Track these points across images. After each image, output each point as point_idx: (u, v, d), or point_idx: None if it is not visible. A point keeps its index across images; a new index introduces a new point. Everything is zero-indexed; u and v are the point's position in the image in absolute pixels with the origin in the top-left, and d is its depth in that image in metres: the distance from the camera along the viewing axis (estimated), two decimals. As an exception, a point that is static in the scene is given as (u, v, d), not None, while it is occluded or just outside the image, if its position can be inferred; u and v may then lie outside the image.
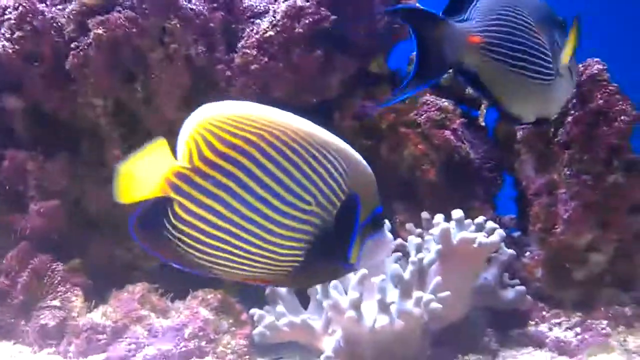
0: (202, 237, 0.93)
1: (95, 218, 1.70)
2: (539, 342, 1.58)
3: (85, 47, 1.50)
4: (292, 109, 1.63)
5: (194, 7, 1.54)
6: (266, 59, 1.57)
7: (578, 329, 1.54)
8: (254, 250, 0.92)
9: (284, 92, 1.62)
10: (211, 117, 0.90)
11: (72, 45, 1.50)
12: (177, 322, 1.53)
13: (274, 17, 1.57)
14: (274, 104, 1.65)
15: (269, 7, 1.61)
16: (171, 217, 0.92)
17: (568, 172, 1.52)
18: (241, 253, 0.92)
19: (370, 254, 0.95)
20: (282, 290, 1.49)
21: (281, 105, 1.62)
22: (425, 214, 1.57)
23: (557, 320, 1.60)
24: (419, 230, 1.57)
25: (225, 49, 1.61)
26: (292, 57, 1.58)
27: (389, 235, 1.06)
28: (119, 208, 1.62)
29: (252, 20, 1.60)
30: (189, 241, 0.93)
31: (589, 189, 1.49)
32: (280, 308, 1.46)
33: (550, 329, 1.59)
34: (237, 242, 0.92)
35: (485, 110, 1.71)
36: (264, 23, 1.57)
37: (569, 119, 1.52)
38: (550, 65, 1.25)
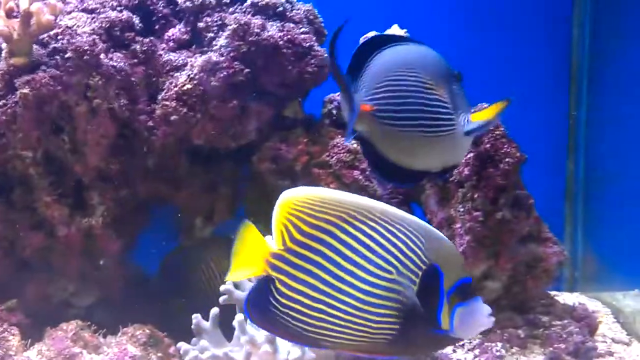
0: (304, 310, 1.08)
1: (29, 260, 1.78)
2: None
3: (13, 104, 1.59)
4: (213, 152, 1.77)
5: (115, 64, 1.64)
6: (185, 110, 1.68)
7: (477, 351, 1.68)
8: (350, 319, 1.05)
9: (203, 139, 1.74)
10: (294, 203, 1.07)
11: (0, 104, 1.59)
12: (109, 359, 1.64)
13: (192, 71, 1.69)
14: (195, 150, 1.79)
15: (187, 60, 1.73)
16: (275, 294, 1.07)
17: (462, 209, 1.66)
18: (340, 322, 1.06)
19: (466, 322, 1.06)
20: (206, 324, 1.60)
21: (202, 150, 1.75)
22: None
23: (460, 343, 1.73)
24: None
25: (147, 101, 1.72)
26: (209, 108, 1.70)
27: (485, 306, 1.11)
28: (51, 250, 1.74)
29: (171, 73, 1.72)
30: (293, 314, 1.08)
31: (480, 225, 1.63)
32: (204, 342, 1.58)
33: (454, 351, 1.71)
34: (334, 312, 1.06)
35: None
36: (182, 76, 1.69)
37: (463, 160, 1.66)
38: (450, 117, 1.27)
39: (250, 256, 1.10)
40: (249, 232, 1.11)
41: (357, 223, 1.06)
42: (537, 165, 2.43)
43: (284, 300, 1.09)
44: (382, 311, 1.05)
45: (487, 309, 1.11)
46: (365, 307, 1.05)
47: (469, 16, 2.46)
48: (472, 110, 1.30)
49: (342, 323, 1.06)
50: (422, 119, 1.26)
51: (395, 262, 1.05)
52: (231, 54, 1.69)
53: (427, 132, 1.27)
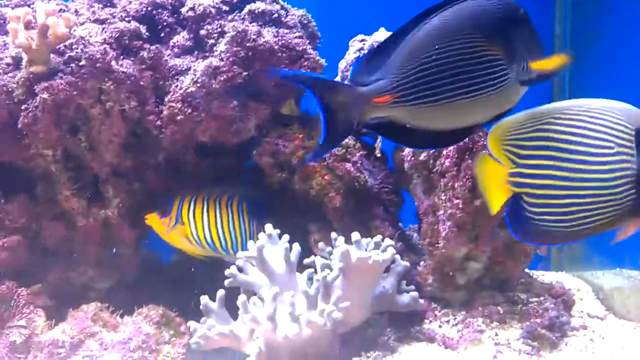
0: (557, 210, 1.23)
1: (52, 248, 1.95)
2: (430, 338, 1.85)
3: (34, 108, 1.75)
4: (217, 148, 1.93)
5: (125, 70, 1.80)
6: (189, 111, 1.84)
7: (460, 326, 1.83)
8: (598, 200, 1.20)
9: (208, 136, 1.90)
10: (504, 132, 1.26)
11: (22, 107, 1.75)
12: (124, 337, 1.81)
13: (195, 75, 1.84)
14: (200, 146, 1.94)
15: (190, 65, 1.88)
16: (527, 207, 1.24)
17: (444, 197, 1.81)
18: (591, 207, 1.21)
19: None
20: (213, 304, 1.75)
21: (207, 145, 1.89)
22: (334, 234, 1.85)
23: (446, 319, 1.88)
24: (329, 249, 1.85)
25: (155, 102, 1.87)
26: (211, 108, 1.85)
27: None
28: (71, 239, 1.90)
29: (176, 77, 1.87)
30: (549, 217, 1.24)
31: (460, 211, 1.78)
32: (211, 321, 1.74)
33: (440, 327, 1.87)
34: (584, 200, 1.21)
35: (380, 142, 1.99)
36: (187, 80, 1.84)
37: (444, 152, 1.81)
38: (503, 73, 1.27)
39: (494, 186, 1.28)
40: (483, 164, 1.31)
41: (564, 122, 1.24)
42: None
43: (536, 209, 1.25)
44: (621, 182, 1.20)
45: None
46: (606, 184, 1.19)
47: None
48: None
49: (593, 207, 1.21)
50: (462, 87, 1.26)
51: (610, 137, 1.20)
52: (230, 59, 1.84)
53: (468, 97, 1.27)
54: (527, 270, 2.33)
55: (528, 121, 1.29)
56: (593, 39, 2.57)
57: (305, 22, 2.04)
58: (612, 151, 1.22)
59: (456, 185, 1.77)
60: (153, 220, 1.97)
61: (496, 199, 1.32)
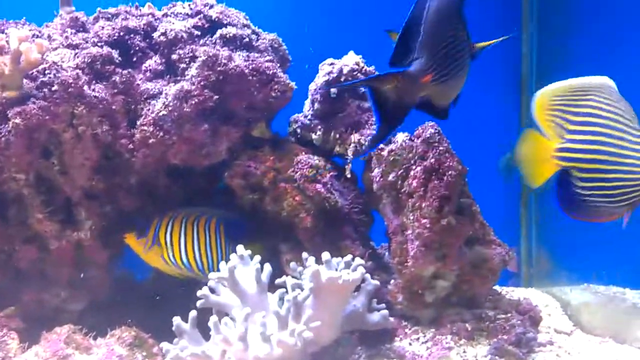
0: (605, 184, 1.23)
1: (25, 270, 1.96)
2: (400, 356, 1.85)
3: (6, 133, 1.77)
4: (189, 170, 1.95)
5: (97, 94, 1.82)
6: (161, 134, 1.87)
7: (429, 344, 1.86)
8: (634, 176, 1.22)
9: (179, 159, 1.93)
10: (550, 100, 1.25)
11: (-5, 132, 1.77)
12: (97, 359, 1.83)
13: (166, 98, 1.87)
14: (172, 168, 1.96)
15: (162, 89, 1.91)
16: (575, 182, 1.24)
17: (411, 217, 1.85)
18: (628, 183, 1.22)
19: None
20: (186, 325, 1.77)
21: (179, 168, 1.92)
22: (305, 254, 1.89)
23: (416, 337, 1.90)
24: (300, 268, 1.88)
25: (127, 126, 1.90)
26: (183, 132, 1.88)
27: None
28: (44, 261, 1.91)
29: (148, 101, 1.90)
30: (597, 192, 1.24)
31: (428, 230, 1.82)
32: (183, 342, 1.76)
33: (410, 344, 1.88)
34: (623, 176, 1.22)
35: (350, 163, 2.03)
36: (158, 104, 1.87)
37: (411, 173, 1.85)
38: (469, 49, 1.42)
39: (539, 160, 1.27)
40: (529, 138, 1.30)
41: (606, 98, 1.26)
42: (495, 174, 2.64)
43: (585, 184, 1.25)
44: None
45: None
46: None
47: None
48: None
49: (632, 183, 1.23)
50: (462, 64, 1.40)
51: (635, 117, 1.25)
52: (201, 83, 1.88)
53: (463, 72, 1.42)
54: (497, 286, 2.37)
55: (574, 92, 1.30)
56: (559, 59, 2.64)
57: (276, 46, 2.08)
58: None
59: (423, 205, 1.82)
60: (131, 240, 1.99)
61: (540, 174, 1.31)
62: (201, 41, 1.99)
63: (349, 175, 2.03)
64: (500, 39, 1.47)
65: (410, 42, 1.35)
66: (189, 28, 1.98)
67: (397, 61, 1.36)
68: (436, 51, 1.36)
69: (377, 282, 1.88)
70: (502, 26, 2.69)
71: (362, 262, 1.84)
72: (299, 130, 2.09)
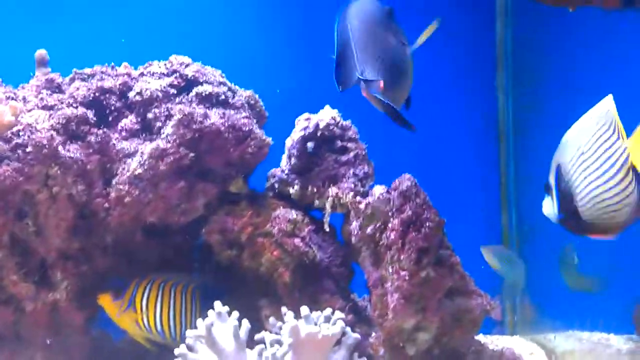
0: None
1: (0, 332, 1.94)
2: None
3: (-21, 196, 1.76)
4: (166, 227, 1.94)
5: (72, 155, 1.82)
6: (137, 192, 1.86)
7: (411, 397, 1.85)
8: None
9: (156, 217, 1.92)
10: None
11: (-33, 196, 1.76)
12: None
13: (142, 157, 1.87)
14: (149, 226, 1.95)
15: (137, 148, 1.91)
16: None
17: (391, 270, 1.84)
18: None
19: None
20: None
21: (156, 225, 1.91)
22: (284, 309, 1.87)
23: (395, 389, 1.90)
24: (279, 324, 1.86)
25: (102, 185, 1.90)
26: (159, 190, 1.88)
27: None
28: (19, 323, 1.88)
29: (124, 160, 1.90)
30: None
31: (407, 283, 1.81)
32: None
33: (388, 395, 1.88)
34: None
35: (328, 217, 2.03)
36: (134, 162, 1.87)
37: (389, 226, 1.85)
38: (405, 52, 1.50)
39: None
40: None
41: None
42: (475, 220, 2.65)
43: None
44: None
45: None
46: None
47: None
48: None
49: None
50: (404, 68, 1.50)
51: None
52: (177, 141, 1.88)
53: (408, 73, 1.51)
54: (481, 335, 2.36)
55: None
56: (534, 83, 2.68)
57: (252, 102, 2.09)
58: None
59: (402, 257, 1.81)
60: (105, 301, 1.96)
61: None
62: (177, 99, 2.00)
63: (327, 229, 2.02)
64: (429, 29, 1.51)
65: (348, 63, 1.44)
66: (164, 87, 1.99)
67: (342, 82, 1.45)
68: (374, 61, 1.44)
69: (357, 336, 1.86)
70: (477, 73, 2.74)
71: (342, 315, 1.82)
72: (276, 185, 2.09)
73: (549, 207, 1.59)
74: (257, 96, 2.12)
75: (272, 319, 1.87)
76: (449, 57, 2.68)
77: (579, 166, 1.51)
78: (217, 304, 1.80)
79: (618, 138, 1.49)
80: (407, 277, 1.80)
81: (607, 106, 1.51)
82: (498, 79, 2.75)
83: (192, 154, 1.90)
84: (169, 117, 1.93)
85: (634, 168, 1.49)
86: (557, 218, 1.55)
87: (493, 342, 2.34)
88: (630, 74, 2.34)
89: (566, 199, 1.53)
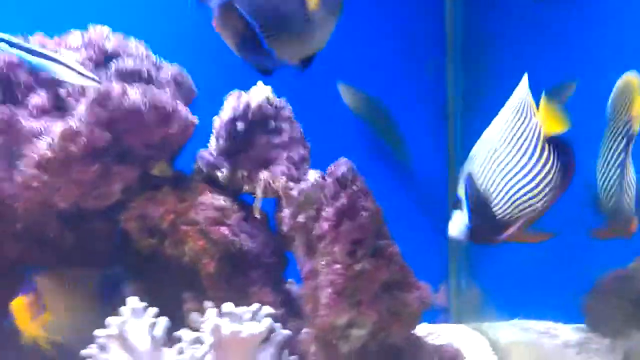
0: None
1: None
2: None
3: None
4: (83, 213, 1.78)
5: (-29, 134, 1.66)
6: (46, 177, 1.70)
7: (346, 397, 1.74)
8: None
9: (68, 202, 1.76)
10: None
11: None
12: None
13: (52, 138, 1.70)
14: (64, 212, 1.79)
15: (48, 127, 1.74)
16: None
17: (323, 262, 1.71)
18: None
19: None
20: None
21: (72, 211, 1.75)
22: (208, 304, 1.74)
23: (333, 391, 1.78)
24: (201, 320, 1.73)
25: (7, 169, 1.73)
26: (70, 174, 1.72)
27: None
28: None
29: (32, 140, 1.73)
30: None
31: (340, 277, 1.68)
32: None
33: (324, 399, 1.77)
34: None
35: (259, 203, 1.89)
36: (43, 144, 1.70)
37: (322, 214, 1.72)
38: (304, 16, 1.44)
39: None
40: None
41: None
42: (421, 204, 2.54)
43: None
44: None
45: None
46: None
47: (351, 63, 2.55)
48: None
49: None
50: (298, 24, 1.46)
51: None
52: (91, 121, 1.72)
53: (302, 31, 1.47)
54: (426, 324, 2.27)
55: None
56: (484, 65, 2.58)
57: (179, 79, 1.93)
58: None
59: (335, 249, 1.68)
60: (19, 306, 1.78)
61: None
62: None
63: (258, 216, 1.88)
64: None
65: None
66: (81, 60, 1.82)
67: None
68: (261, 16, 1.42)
69: (287, 332, 1.75)
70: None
71: (271, 310, 1.71)
72: (204, 168, 1.94)
73: (457, 223, 1.50)
74: (184, 71, 1.95)
75: (194, 315, 1.75)
76: (396, 35, 2.57)
77: (493, 163, 1.44)
78: (132, 299, 1.66)
79: (531, 118, 1.41)
80: (340, 271, 1.68)
81: (519, 93, 1.44)
82: (448, 60, 2.64)
83: (108, 135, 1.73)
84: (83, 94, 1.76)
85: (549, 139, 1.41)
86: (467, 229, 1.46)
87: (436, 332, 2.25)
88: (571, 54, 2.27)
89: (479, 204, 1.44)
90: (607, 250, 2.02)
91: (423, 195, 2.55)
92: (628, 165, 1.65)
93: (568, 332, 2.28)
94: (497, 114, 1.61)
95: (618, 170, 1.65)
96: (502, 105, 1.56)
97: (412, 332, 1.88)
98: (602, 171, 1.68)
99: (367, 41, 2.56)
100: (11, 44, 1.67)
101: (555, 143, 1.44)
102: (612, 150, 1.65)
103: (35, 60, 1.67)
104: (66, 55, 1.76)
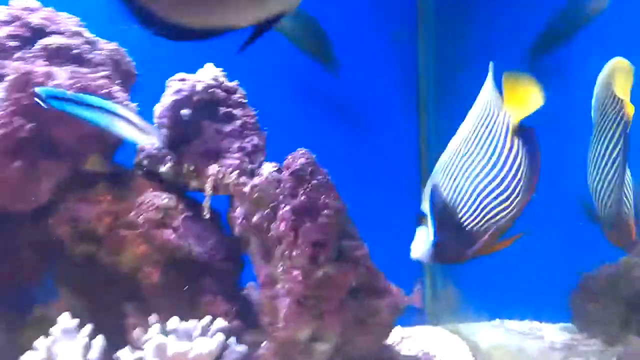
0: None
1: None
2: None
3: None
4: (9, 215, 1.55)
5: None
6: (-43, 174, 1.47)
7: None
8: None
9: (-13, 205, 1.53)
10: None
11: None
12: None
13: (-36, 129, 1.47)
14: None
15: (-41, 118, 1.50)
16: None
17: (281, 268, 1.51)
18: None
19: None
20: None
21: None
22: (152, 318, 1.53)
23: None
24: (145, 337, 1.51)
25: None
26: (-12, 171, 1.49)
27: None
28: None
29: (-59, 132, 1.49)
30: None
31: (300, 285, 1.48)
32: None
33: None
34: None
35: (209, 201, 1.66)
36: (-47, 136, 1.47)
37: (279, 214, 1.51)
38: None
39: None
40: None
41: None
42: (393, 196, 2.35)
43: None
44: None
45: None
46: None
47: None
48: None
49: None
50: None
51: None
52: (11, 109, 1.48)
53: None
54: (400, 327, 2.09)
55: None
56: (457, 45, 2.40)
57: (117, 57, 1.70)
58: None
59: (294, 253, 1.48)
60: None
61: None
62: (17, 54, 1.59)
63: (207, 216, 1.65)
64: None
65: None
66: (2, 37, 1.58)
67: None
68: None
69: (243, 348, 1.54)
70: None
71: (224, 324, 1.51)
72: (145, 162, 1.71)
73: (420, 242, 1.31)
74: (123, 50, 1.72)
75: (137, 331, 1.53)
76: (370, 11, 2.37)
77: (459, 170, 1.27)
78: (63, 316, 1.44)
79: (498, 114, 1.26)
80: (300, 278, 1.48)
81: (482, 95, 1.29)
82: (419, 40, 2.44)
83: (31, 125, 1.50)
84: (2, 77, 1.52)
85: (518, 131, 1.23)
86: (431, 248, 1.27)
87: (411, 336, 2.06)
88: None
89: (445, 214, 1.26)
90: (592, 244, 1.85)
91: (394, 188, 2.35)
92: (624, 165, 1.46)
93: (554, 333, 2.11)
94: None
95: (614, 171, 1.46)
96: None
97: (383, 342, 1.69)
98: (595, 174, 1.49)
99: (339, 17, 2.36)
100: (58, 98, 1.43)
101: (521, 133, 1.27)
102: (605, 148, 1.46)
103: (89, 115, 1.44)
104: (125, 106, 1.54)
